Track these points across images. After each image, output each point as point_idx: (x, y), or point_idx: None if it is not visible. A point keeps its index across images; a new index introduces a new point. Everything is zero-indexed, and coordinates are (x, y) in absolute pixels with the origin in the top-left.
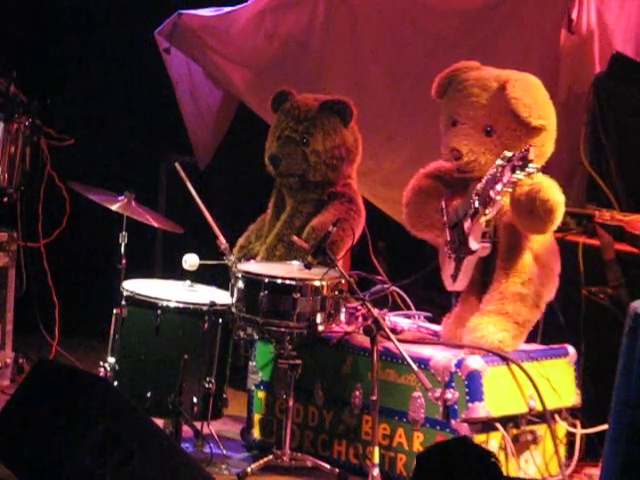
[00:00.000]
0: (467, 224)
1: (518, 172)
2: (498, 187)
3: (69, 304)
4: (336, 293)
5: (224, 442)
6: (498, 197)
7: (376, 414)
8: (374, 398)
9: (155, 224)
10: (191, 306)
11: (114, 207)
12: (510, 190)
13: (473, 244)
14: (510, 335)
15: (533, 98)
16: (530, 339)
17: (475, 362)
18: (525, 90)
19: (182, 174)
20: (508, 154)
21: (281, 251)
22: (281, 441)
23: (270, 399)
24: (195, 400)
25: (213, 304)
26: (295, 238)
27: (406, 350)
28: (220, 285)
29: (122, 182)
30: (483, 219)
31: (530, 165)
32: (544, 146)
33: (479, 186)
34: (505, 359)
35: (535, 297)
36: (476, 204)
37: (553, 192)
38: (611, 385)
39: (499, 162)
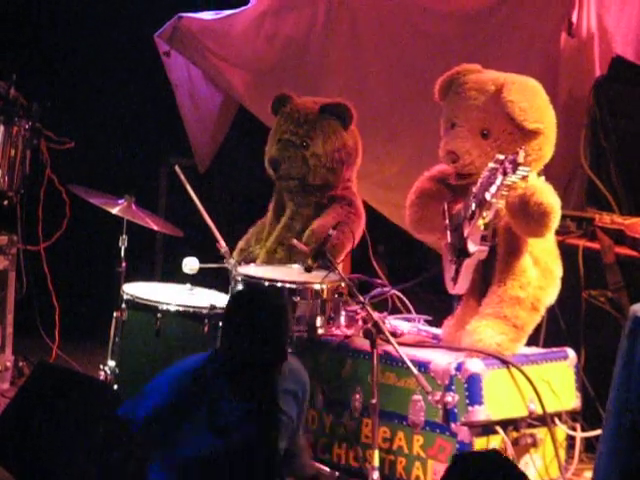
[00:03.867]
0: (466, 227)
1: (510, 175)
2: (492, 190)
3: (69, 307)
4: (336, 296)
5: None
6: (494, 200)
7: (376, 417)
8: (374, 401)
9: (155, 227)
10: (191, 309)
11: (114, 210)
12: (505, 193)
13: (471, 247)
14: (508, 338)
15: (529, 102)
16: (532, 343)
17: (475, 365)
18: (521, 93)
19: (182, 177)
20: (500, 157)
21: (281, 254)
22: None
23: None
24: None
25: (213, 307)
26: (295, 241)
27: (406, 353)
28: (220, 288)
29: (122, 185)
30: (481, 222)
31: (521, 168)
32: (541, 150)
33: (474, 189)
34: (505, 362)
35: (534, 300)
36: (472, 207)
37: (547, 195)
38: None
39: (492, 165)
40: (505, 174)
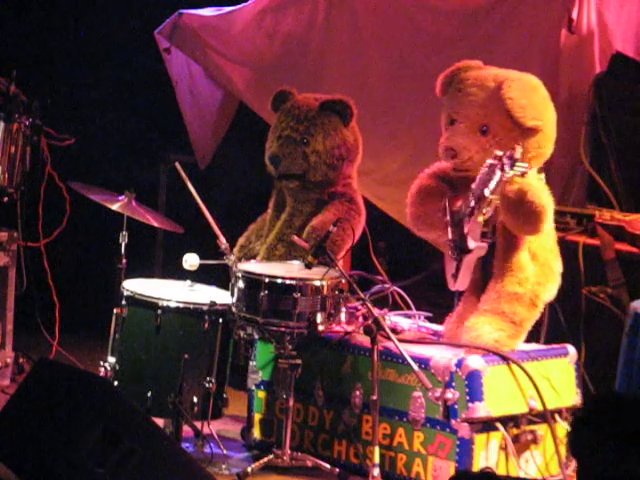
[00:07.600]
0: (466, 224)
1: (508, 171)
2: (491, 186)
3: (69, 304)
4: (336, 293)
5: (224, 442)
6: (492, 196)
7: (376, 414)
8: (374, 398)
9: (155, 224)
10: (191, 306)
11: (114, 207)
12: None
13: (471, 243)
14: (506, 334)
15: (529, 99)
16: (533, 339)
17: (475, 362)
18: (521, 90)
19: (182, 174)
20: (499, 153)
21: (281, 251)
22: (281, 441)
23: (270, 399)
24: (195, 400)
25: (213, 304)
26: (295, 238)
27: (406, 350)
28: (220, 285)
29: (122, 182)
30: (480, 218)
31: (519, 164)
32: (541, 147)
33: (473, 185)
34: (505, 359)
35: (532, 296)
36: (472, 203)
37: (540, 194)
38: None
39: (490, 161)
40: (503, 170)
